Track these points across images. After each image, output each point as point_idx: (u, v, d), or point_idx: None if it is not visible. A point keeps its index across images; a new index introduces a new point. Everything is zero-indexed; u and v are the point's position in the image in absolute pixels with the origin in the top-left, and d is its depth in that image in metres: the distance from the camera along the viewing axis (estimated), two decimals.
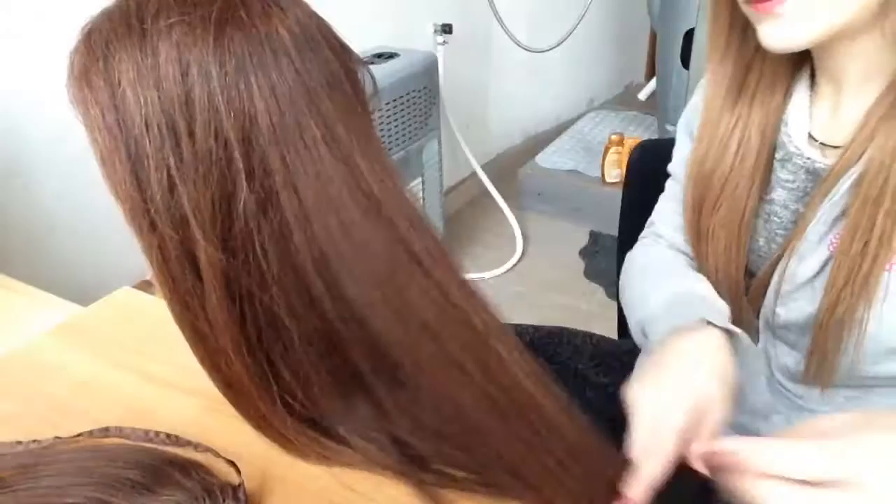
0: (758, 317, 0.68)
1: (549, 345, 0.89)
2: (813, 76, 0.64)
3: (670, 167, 0.80)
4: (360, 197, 0.46)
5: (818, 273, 0.60)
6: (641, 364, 0.66)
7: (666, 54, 2.14)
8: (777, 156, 0.65)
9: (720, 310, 0.65)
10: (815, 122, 0.64)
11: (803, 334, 0.63)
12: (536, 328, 0.92)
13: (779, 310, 0.64)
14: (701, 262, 0.71)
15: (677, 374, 0.56)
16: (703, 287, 0.68)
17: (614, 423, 0.83)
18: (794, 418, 0.68)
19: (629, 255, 0.81)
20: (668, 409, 0.53)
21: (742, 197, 0.66)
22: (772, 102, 0.64)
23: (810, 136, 0.64)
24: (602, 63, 3.10)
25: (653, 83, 2.39)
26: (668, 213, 0.79)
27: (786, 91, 0.65)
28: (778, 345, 0.68)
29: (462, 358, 0.46)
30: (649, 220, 0.83)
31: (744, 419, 0.71)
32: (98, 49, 0.44)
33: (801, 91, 0.64)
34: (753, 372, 0.69)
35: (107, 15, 0.45)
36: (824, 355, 0.60)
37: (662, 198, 0.82)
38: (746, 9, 0.56)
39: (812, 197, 0.61)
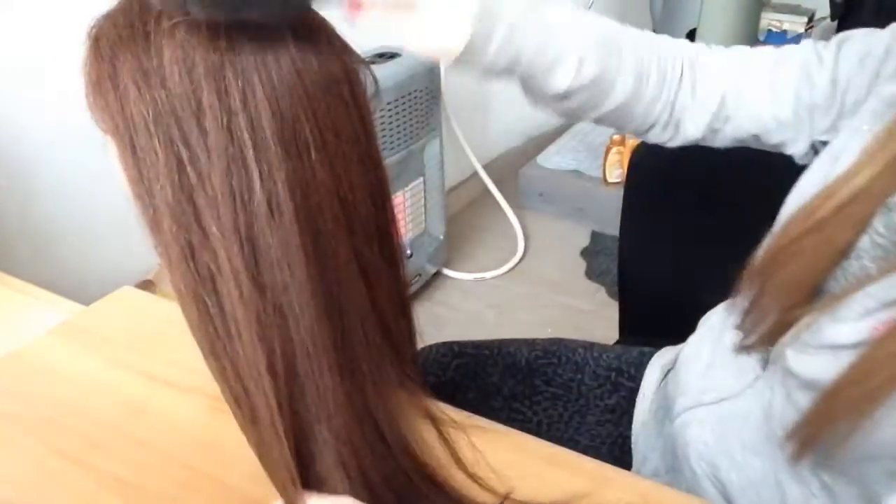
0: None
1: (547, 365, 0.83)
2: None
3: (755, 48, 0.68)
4: (336, 206, 0.47)
5: (848, 347, 0.51)
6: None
7: None
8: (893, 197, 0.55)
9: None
10: None
11: (802, 389, 0.56)
12: (531, 345, 0.86)
13: (790, 352, 0.57)
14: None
15: None
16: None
17: (621, 450, 0.80)
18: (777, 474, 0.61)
19: None
20: None
21: (847, 228, 0.56)
22: None
23: None
24: None
25: None
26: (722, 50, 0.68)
27: None
28: (777, 386, 0.61)
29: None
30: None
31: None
32: (105, 55, 0.44)
33: None
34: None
35: (110, 19, 0.45)
36: (813, 434, 0.53)
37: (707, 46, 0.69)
38: None
39: (886, 264, 0.52)
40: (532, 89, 0.62)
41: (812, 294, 0.58)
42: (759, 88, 0.65)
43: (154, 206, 0.46)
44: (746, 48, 0.68)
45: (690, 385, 0.70)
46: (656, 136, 0.69)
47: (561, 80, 0.60)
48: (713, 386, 0.67)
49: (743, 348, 0.64)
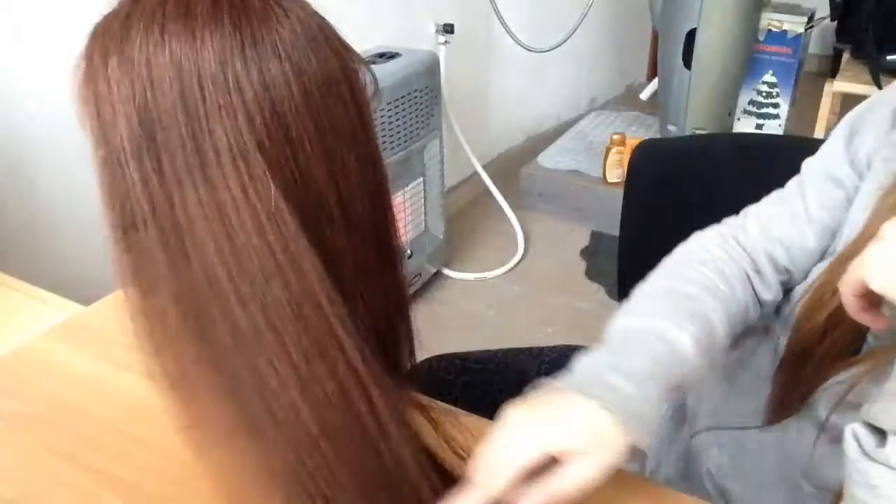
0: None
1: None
2: None
3: (809, 167, 0.68)
4: (333, 205, 0.47)
5: None
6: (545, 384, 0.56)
7: (667, 54, 2.14)
8: None
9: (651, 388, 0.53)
10: None
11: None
12: (538, 357, 0.82)
13: (834, 416, 0.54)
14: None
15: (556, 414, 0.51)
16: (684, 339, 0.56)
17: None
18: None
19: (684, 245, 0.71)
20: (521, 445, 0.49)
21: None
22: None
23: None
24: (603, 63, 3.10)
25: (654, 83, 2.39)
26: (769, 218, 0.68)
27: None
28: (806, 429, 0.58)
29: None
30: (743, 211, 0.72)
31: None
32: (96, 53, 0.44)
33: None
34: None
35: (106, 19, 0.45)
36: None
37: (773, 199, 0.70)
38: None
39: None
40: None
41: (851, 355, 0.56)
42: (796, 236, 0.65)
43: (134, 213, 0.46)
44: (770, 203, 0.69)
45: (715, 403, 0.68)
46: (754, 315, 0.68)
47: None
48: (740, 411, 0.65)
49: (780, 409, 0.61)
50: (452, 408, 0.60)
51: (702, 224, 0.77)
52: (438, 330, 1.86)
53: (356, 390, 0.47)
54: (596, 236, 2.27)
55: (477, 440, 0.56)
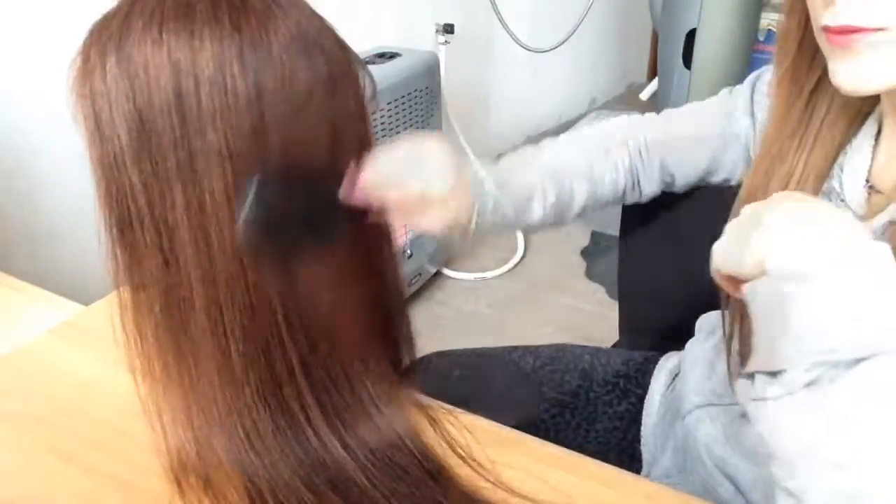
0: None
1: (553, 373, 0.82)
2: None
3: (711, 101, 0.76)
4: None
5: None
6: None
7: (668, 54, 2.14)
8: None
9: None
10: (874, 165, 0.56)
11: None
12: (535, 353, 0.85)
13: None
14: None
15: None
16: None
17: (630, 457, 0.79)
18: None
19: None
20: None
21: None
22: (832, 143, 0.57)
23: (867, 181, 0.56)
24: (604, 63, 3.10)
25: (654, 83, 2.39)
26: (671, 129, 0.77)
27: (848, 132, 0.57)
28: None
29: None
30: (648, 115, 0.80)
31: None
32: (94, 51, 0.44)
33: (866, 135, 0.57)
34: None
35: (105, 17, 0.45)
36: None
37: (686, 109, 0.78)
38: (821, 38, 0.49)
39: None
40: (512, 224, 0.72)
41: None
42: (687, 141, 0.76)
43: (130, 212, 0.46)
44: (673, 110, 0.79)
45: (700, 385, 0.70)
46: (630, 199, 0.80)
47: (536, 212, 0.71)
48: (723, 391, 0.67)
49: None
50: (452, 407, 0.60)
51: (702, 223, 0.77)
52: (438, 330, 1.86)
53: (293, 400, 0.49)
54: (596, 236, 2.26)
55: (476, 439, 0.57)
